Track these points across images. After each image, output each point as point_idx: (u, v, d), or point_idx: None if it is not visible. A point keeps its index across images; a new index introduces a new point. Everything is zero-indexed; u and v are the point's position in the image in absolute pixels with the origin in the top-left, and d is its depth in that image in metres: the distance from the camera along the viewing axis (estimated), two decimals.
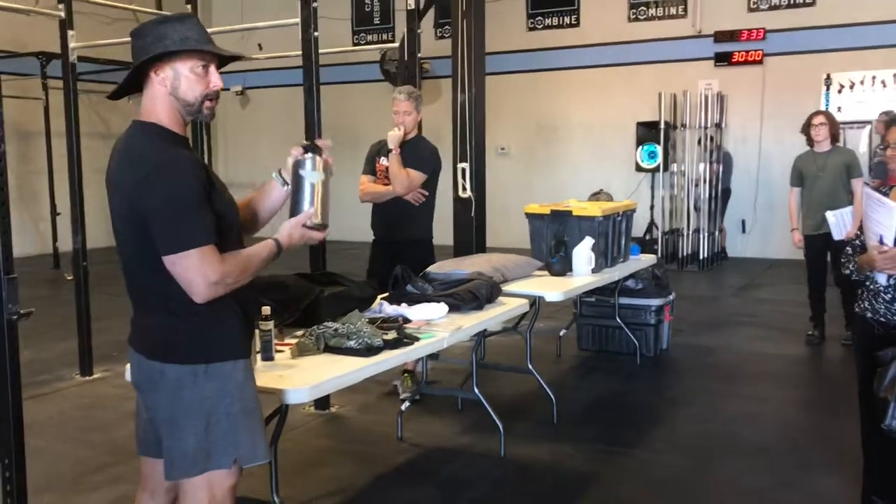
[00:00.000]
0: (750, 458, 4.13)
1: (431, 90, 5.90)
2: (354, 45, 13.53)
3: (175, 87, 2.23)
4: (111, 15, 8.81)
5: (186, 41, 2.22)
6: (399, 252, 4.77)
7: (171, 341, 2.25)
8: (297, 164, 2.49)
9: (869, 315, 3.14)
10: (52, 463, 4.15)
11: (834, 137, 6.35)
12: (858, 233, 3.22)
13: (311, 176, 2.48)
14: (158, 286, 2.20)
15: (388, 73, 12.74)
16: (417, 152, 4.96)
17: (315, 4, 4.72)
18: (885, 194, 3.09)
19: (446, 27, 11.56)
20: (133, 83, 2.30)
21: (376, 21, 13.65)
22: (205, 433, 2.24)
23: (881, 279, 3.07)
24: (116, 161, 2.25)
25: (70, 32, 5.58)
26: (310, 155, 2.49)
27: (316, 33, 4.73)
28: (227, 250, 2.23)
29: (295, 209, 2.47)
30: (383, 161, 4.99)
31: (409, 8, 5.69)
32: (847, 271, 3.26)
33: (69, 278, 6.93)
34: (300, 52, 4.79)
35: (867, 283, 3.15)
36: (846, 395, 3.33)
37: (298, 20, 4.73)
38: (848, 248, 3.28)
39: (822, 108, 9.83)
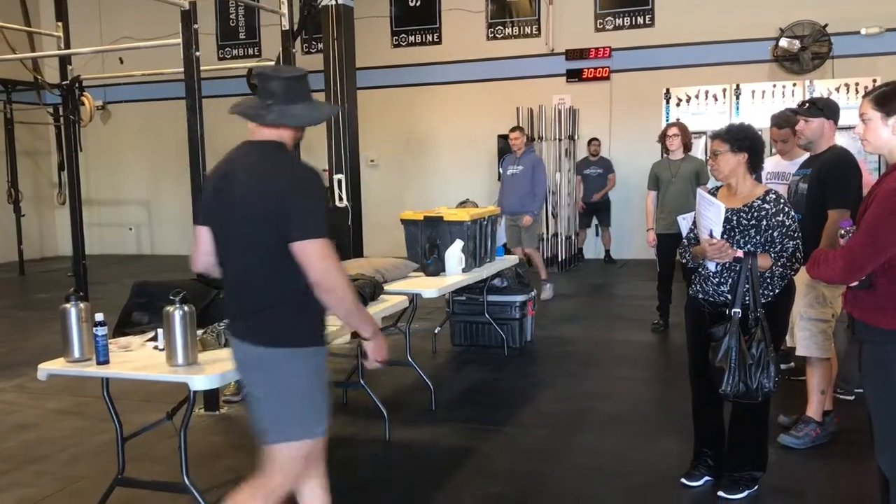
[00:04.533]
0: (605, 427, 4.71)
1: None
2: (220, 59, 13.55)
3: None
4: None
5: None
6: None
7: (276, 329, 2.54)
8: None
9: (700, 297, 3.68)
10: None
11: (686, 147, 7.03)
12: (693, 227, 3.76)
13: None
14: (279, 279, 2.50)
15: (255, 88, 12.86)
16: None
17: (196, 26, 4.97)
18: (714, 195, 3.65)
19: (313, 42, 11.86)
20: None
21: (242, 36, 13.71)
22: (295, 407, 2.55)
23: (711, 266, 3.58)
24: (253, 171, 2.55)
25: None
26: None
27: (197, 53, 4.98)
28: None
29: None
30: None
31: (283, 29, 6.00)
32: (683, 260, 3.83)
33: None
34: (171, 69, 5.03)
35: (700, 270, 3.69)
36: (685, 372, 3.88)
37: (180, 41, 4.98)
38: (684, 241, 3.81)
39: (664, 119, 10.63)
